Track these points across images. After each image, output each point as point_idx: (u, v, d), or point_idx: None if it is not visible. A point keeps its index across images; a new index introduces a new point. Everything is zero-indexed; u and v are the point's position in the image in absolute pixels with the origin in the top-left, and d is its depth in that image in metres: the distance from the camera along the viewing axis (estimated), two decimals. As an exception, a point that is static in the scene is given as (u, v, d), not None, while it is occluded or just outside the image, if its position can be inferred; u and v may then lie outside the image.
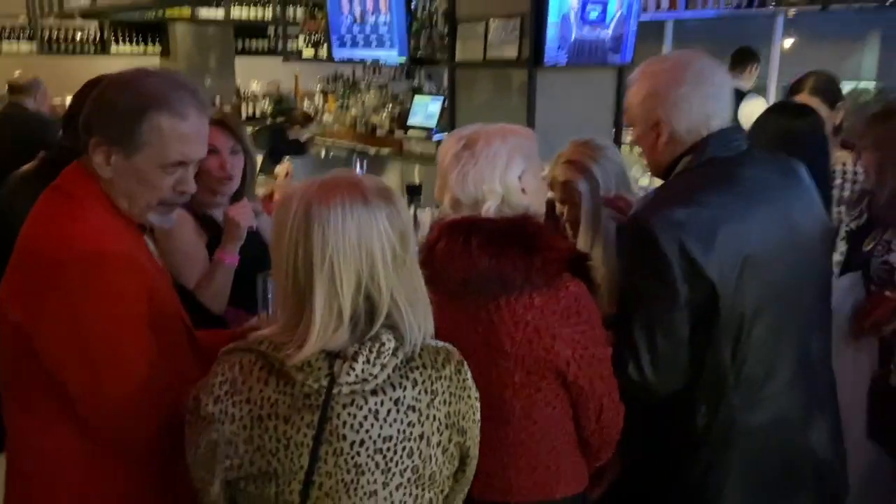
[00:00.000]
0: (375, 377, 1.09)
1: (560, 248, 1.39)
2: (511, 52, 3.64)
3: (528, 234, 1.37)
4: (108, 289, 1.21)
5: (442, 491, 1.19)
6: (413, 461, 1.12)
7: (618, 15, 3.75)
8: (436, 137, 4.34)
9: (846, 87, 3.81)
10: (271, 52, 7.61)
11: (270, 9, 7.17)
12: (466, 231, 1.38)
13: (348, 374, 1.08)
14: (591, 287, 1.42)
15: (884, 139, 2.10)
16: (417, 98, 4.70)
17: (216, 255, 1.88)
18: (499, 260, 1.34)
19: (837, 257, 2.30)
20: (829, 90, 2.81)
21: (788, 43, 6.62)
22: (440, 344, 1.18)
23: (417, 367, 1.13)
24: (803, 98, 2.79)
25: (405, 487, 1.12)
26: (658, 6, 5.51)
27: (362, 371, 1.08)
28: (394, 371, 1.11)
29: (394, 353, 1.11)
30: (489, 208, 1.42)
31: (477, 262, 1.35)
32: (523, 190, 1.44)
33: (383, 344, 1.10)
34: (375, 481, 1.10)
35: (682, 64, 1.54)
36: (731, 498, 1.52)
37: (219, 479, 1.12)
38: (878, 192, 2.13)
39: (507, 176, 1.42)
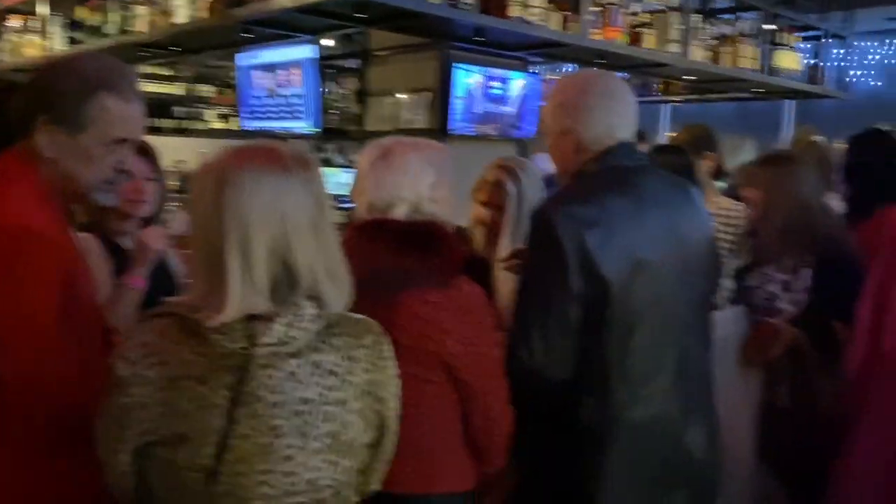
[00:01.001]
0: (296, 339, 1.10)
1: (459, 252, 1.48)
2: (420, 123, 3.81)
3: (430, 237, 1.46)
4: (25, 265, 1.20)
5: (359, 459, 1.19)
6: (331, 426, 1.12)
7: (520, 94, 4.00)
8: (347, 206, 4.42)
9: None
10: (178, 131, 7.60)
11: (179, 86, 7.20)
12: (374, 230, 1.47)
13: (267, 336, 1.09)
14: (488, 291, 1.50)
15: (770, 182, 2.32)
16: (328, 171, 4.80)
17: (123, 278, 1.85)
18: (400, 258, 1.43)
19: (725, 293, 2.48)
20: (695, 142, 3.11)
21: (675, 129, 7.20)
22: (361, 316, 1.21)
23: (338, 334, 1.15)
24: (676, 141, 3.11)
25: (323, 453, 1.11)
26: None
27: (282, 334, 1.09)
28: (315, 336, 1.12)
29: (314, 320, 1.12)
30: (400, 213, 1.50)
31: (380, 259, 1.43)
32: (433, 199, 1.53)
33: (304, 309, 1.11)
34: (292, 445, 1.09)
35: (592, 78, 1.70)
36: (611, 492, 1.56)
37: (128, 448, 1.09)
38: (762, 230, 2.33)
39: (419, 184, 1.52)
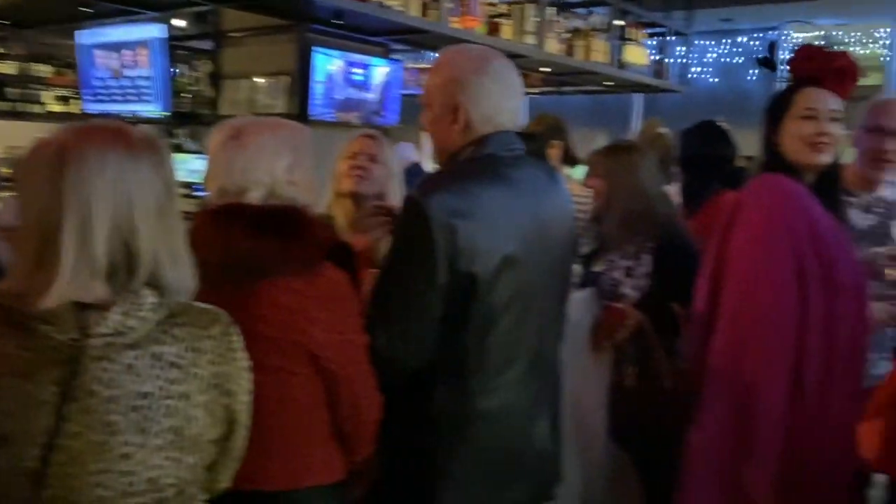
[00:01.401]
0: (133, 330, 1.03)
1: (321, 237, 1.42)
2: (279, 107, 3.70)
3: (289, 221, 1.39)
4: None
5: (205, 455, 1.14)
6: (174, 421, 1.06)
7: (382, 81, 3.97)
8: (201, 194, 4.23)
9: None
10: (11, 114, 7.00)
11: (10, 65, 6.62)
12: (227, 216, 1.38)
13: (101, 325, 1.01)
14: (353, 277, 1.46)
15: (611, 171, 2.42)
16: (179, 157, 4.57)
17: None
18: (257, 244, 1.35)
19: (575, 279, 2.57)
20: (547, 130, 3.22)
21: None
22: (207, 306, 1.15)
23: (181, 325, 1.09)
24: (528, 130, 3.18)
25: (165, 450, 1.05)
26: (418, 84, 5.92)
27: (119, 323, 1.02)
28: (155, 326, 1.06)
29: (155, 309, 1.06)
30: (255, 198, 1.42)
31: (235, 246, 1.34)
32: (291, 182, 1.46)
33: (143, 297, 1.04)
34: (130, 442, 1.02)
35: (486, 57, 1.61)
36: (454, 482, 1.55)
37: None
38: (605, 217, 2.43)
39: (275, 167, 1.44)
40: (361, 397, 1.46)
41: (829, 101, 1.91)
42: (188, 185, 4.33)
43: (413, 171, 4.95)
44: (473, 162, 1.58)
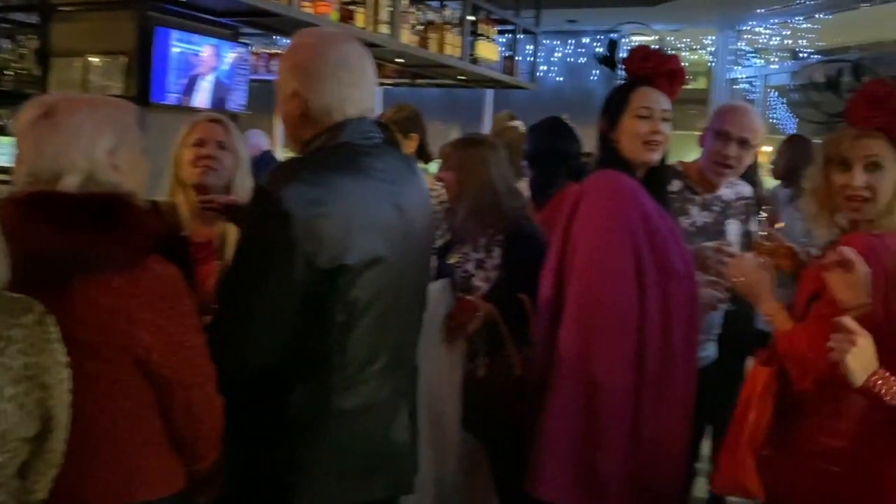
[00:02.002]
0: None
1: (148, 228, 1.30)
2: (115, 89, 3.45)
3: (110, 211, 1.26)
4: None
5: (15, 456, 1.04)
6: None
7: (229, 65, 3.81)
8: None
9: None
10: None
11: None
12: (35, 206, 1.24)
13: None
14: (190, 271, 1.36)
15: (461, 164, 2.45)
16: (2, 139, 4.17)
17: None
18: (72, 237, 1.22)
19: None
20: (403, 122, 3.22)
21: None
22: (19, 295, 1.06)
23: None
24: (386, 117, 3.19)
25: None
26: (268, 70, 5.74)
27: None
28: None
29: None
30: (71, 184, 1.28)
31: (47, 240, 1.21)
32: (114, 166, 1.33)
33: None
34: None
35: (329, 42, 1.54)
36: (313, 482, 1.51)
37: None
38: (457, 210, 2.46)
39: (94, 149, 1.30)
40: (199, 402, 1.36)
41: (661, 102, 2.02)
42: (9, 171, 3.97)
43: (263, 160, 4.80)
44: (328, 150, 1.52)
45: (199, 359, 1.37)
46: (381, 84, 6.54)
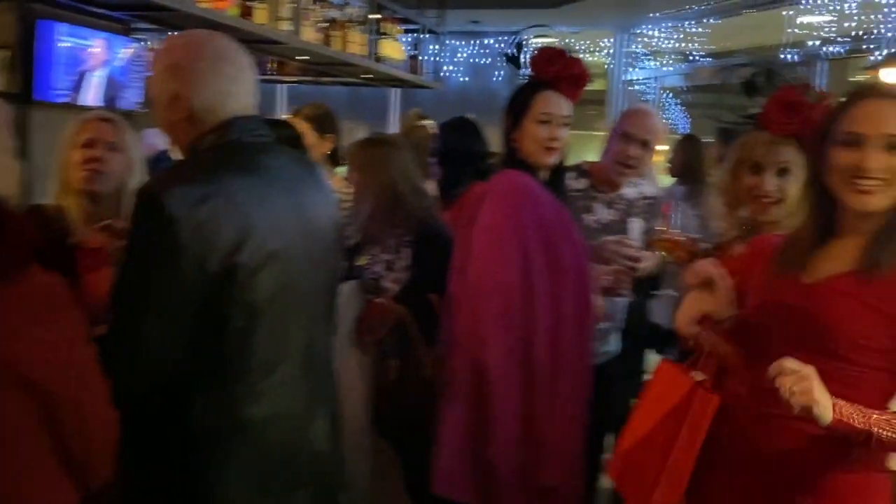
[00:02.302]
0: None
1: (28, 235, 1.22)
2: (-1, 84, 3.23)
3: None
4: None
5: None
6: None
7: (123, 61, 3.64)
8: None
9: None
10: None
11: None
12: None
13: None
14: (75, 280, 1.28)
15: (364, 164, 2.42)
16: None
17: None
18: None
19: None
20: (321, 119, 3.16)
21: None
22: None
23: None
24: (295, 122, 3.09)
25: None
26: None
27: None
28: None
29: None
30: None
31: None
32: None
33: None
34: None
35: (202, 39, 1.50)
36: (228, 496, 1.44)
37: None
38: (361, 210, 2.43)
39: None
40: (89, 417, 1.28)
41: (562, 107, 2.06)
42: None
43: (160, 160, 4.60)
44: (218, 149, 1.47)
45: (87, 372, 1.28)
46: (284, 82, 6.41)
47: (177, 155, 1.61)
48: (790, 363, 1.24)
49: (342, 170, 3.48)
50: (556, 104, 2.05)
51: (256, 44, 3.98)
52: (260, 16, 3.42)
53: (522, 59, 2.19)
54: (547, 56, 2.07)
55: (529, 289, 1.97)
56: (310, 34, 3.84)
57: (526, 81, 2.13)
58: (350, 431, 2.19)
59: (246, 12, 3.34)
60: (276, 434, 1.48)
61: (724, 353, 1.54)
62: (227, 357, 1.42)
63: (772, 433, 1.44)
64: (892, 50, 4.03)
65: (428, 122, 3.43)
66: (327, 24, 4.09)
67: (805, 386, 1.22)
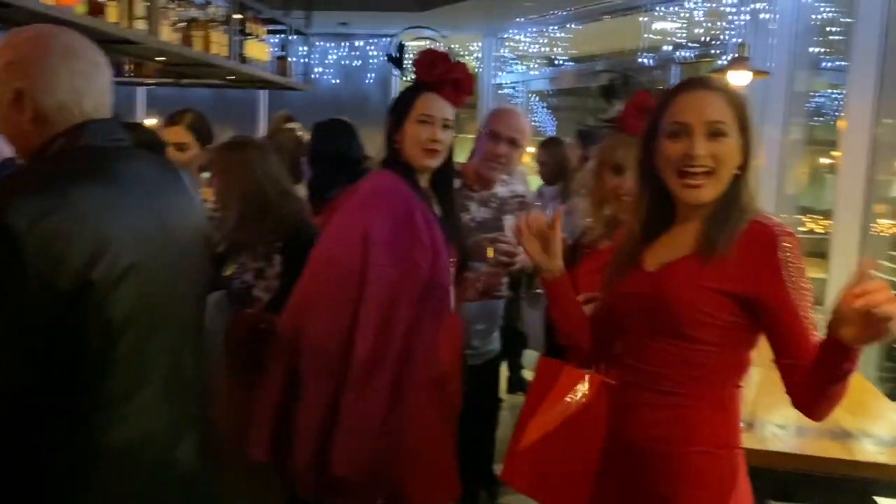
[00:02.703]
0: None
1: None
2: None
3: None
4: None
5: None
6: None
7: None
8: None
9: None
10: None
11: None
12: None
13: None
14: None
15: (226, 168, 2.32)
16: None
17: None
18: None
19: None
20: (201, 129, 3.02)
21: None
22: None
23: None
24: (178, 131, 2.94)
25: None
26: None
27: None
28: None
29: None
30: None
31: None
32: None
33: None
34: None
35: (49, 34, 1.37)
36: None
37: None
38: (227, 217, 2.32)
39: None
40: None
41: (444, 110, 2.05)
42: None
43: (4, 168, 4.24)
44: (67, 155, 1.35)
45: None
46: (143, 84, 6.10)
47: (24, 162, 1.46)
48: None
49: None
50: (437, 106, 2.05)
51: (110, 44, 3.75)
52: (112, 14, 3.21)
53: (404, 62, 2.18)
54: (430, 59, 2.07)
55: (361, 287, 1.94)
56: (168, 34, 3.65)
57: (410, 84, 2.12)
58: (225, 450, 2.10)
59: (96, 10, 3.12)
60: (139, 460, 1.39)
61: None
62: (84, 381, 1.31)
63: (632, 421, 1.49)
64: (735, 54, 4.31)
65: (295, 125, 3.34)
66: (186, 24, 3.90)
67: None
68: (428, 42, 2.13)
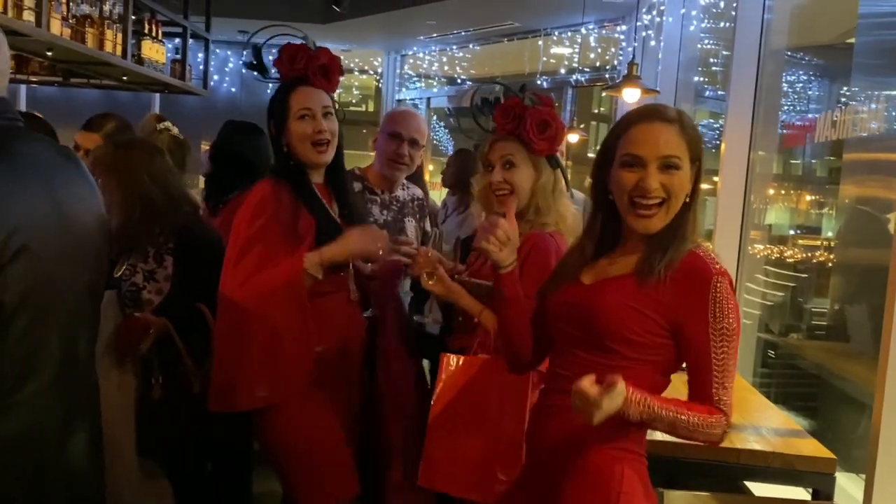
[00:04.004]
0: None
1: None
2: None
3: None
4: None
5: None
6: None
7: None
8: None
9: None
10: None
11: None
12: None
13: None
14: None
15: (111, 168, 2.23)
16: None
17: None
18: None
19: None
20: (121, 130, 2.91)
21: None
22: None
23: None
24: (95, 139, 2.86)
25: None
26: None
27: None
28: None
29: None
30: None
31: None
32: None
33: None
34: None
35: None
36: None
37: None
38: (113, 218, 2.22)
39: None
40: None
41: (320, 98, 2.04)
42: None
43: None
44: None
45: None
46: (28, 82, 5.77)
47: None
48: (585, 386, 1.29)
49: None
50: (313, 98, 2.03)
51: (-9, 34, 3.55)
52: (-3, 3, 3.04)
53: (266, 63, 2.15)
54: (290, 55, 2.05)
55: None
56: (58, 28, 3.48)
57: (279, 84, 2.09)
58: (114, 455, 2.01)
59: (-22, -1, 2.95)
60: (27, 452, 1.34)
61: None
62: None
63: (546, 424, 1.55)
64: (625, 73, 4.52)
65: (168, 124, 3.22)
66: (77, 20, 3.73)
67: (590, 410, 1.28)
68: (284, 39, 2.11)
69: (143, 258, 2.23)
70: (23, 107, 7.20)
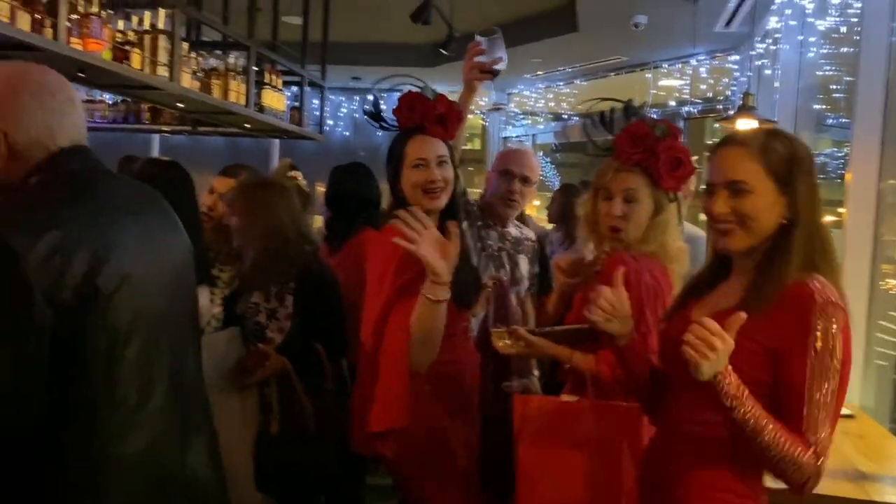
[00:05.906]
0: None
1: None
2: None
3: None
4: None
5: None
6: None
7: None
8: None
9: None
10: None
11: None
12: None
13: None
14: None
15: (246, 209, 2.32)
16: None
17: None
18: None
19: (215, 323, 2.46)
20: None
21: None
22: None
23: None
24: (229, 184, 2.93)
25: None
26: None
27: None
28: None
29: None
30: None
31: None
32: None
33: None
34: None
35: (21, 72, 1.41)
36: None
37: None
38: (244, 256, 2.32)
39: None
40: None
41: (436, 148, 2.03)
42: None
43: None
44: (49, 181, 1.40)
45: None
46: (161, 131, 6.21)
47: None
48: (708, 324, 1.30)
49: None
50: (428, 148, 2.02)
51: (132, 89, 3.85)
52: (136, 60, 3.31)
53: (383, 113, 2.17)
54: (408, 104, 2.05)
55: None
56: (188, 81, 3.75)
57: (398, 133, 2.11)
58: (232, 487, 2.09)
59: (120, 56, 3.22)
60: (152, 467, 1.41)
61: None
62: (95, 393, 1.34)
63: (657, 461, 1.51)
64: (740, 104, 4.37)
65: (298, 174, 3.37)
66: (206, 73, 4.01)
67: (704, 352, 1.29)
68: (406, 87, 2.13)
69: (266, 297, 2.32)
70: (157, 153, 7.76)
